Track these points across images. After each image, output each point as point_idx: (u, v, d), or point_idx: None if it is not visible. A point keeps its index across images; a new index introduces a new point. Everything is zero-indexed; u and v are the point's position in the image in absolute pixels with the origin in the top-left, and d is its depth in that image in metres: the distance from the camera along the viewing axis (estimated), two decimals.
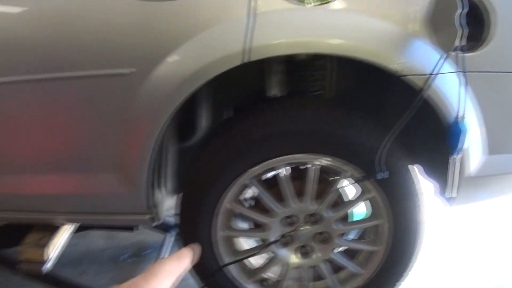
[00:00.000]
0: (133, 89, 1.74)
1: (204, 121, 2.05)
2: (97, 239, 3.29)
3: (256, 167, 1.88)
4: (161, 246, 2.98)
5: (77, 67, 1.76)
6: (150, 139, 1.79)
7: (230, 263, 2.06)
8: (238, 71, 1.68)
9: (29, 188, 2.04)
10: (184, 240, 2.09)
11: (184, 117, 1.90)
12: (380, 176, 1.82)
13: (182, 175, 2.19)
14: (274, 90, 2.02)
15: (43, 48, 1.76)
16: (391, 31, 1.66)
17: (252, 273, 2.14)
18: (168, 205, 2.16)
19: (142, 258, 3.12)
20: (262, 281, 2.16)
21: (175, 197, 2.22)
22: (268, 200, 1.95)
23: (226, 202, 1.96)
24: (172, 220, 2.71)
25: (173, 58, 1.69)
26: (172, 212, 2.21)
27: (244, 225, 2.23)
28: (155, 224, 2.03)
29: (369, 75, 1.89)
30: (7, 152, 2.00)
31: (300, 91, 2.08)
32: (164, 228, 2.96)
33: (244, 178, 1.91)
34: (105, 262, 3.11)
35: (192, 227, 2.02)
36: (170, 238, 3.01)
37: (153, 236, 3.16)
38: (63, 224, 2.21)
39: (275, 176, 1.98)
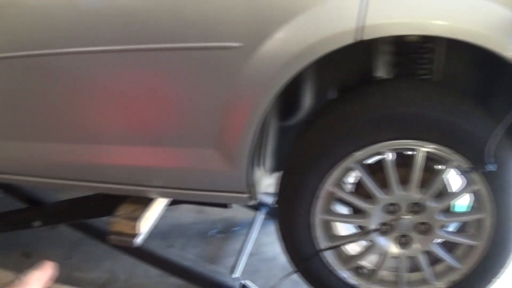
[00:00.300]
0: (239, 64, 1.68)
1: (307, 100, 1.97)
2: (187, 212, 3.30)
3: (361, 151, 1.79)
4: (250, 223, 2.94)
5: (182, 38, 1.71)
6: (254, 116, 1.74)
7: (329, 248, 1.99)
8: (343, 50, 1.60)
9: (124, 159, 2.03)
10: (281, 220, 2.04)
11: (287, 95, 1.81)
12: (488, 168, 1.71)
13: (281, 153, 2.13)
14: (381, 71, 1.92)
15: (148, 17, 1.73)
16: (509, 16, 1.53)
17: (348, 259, 2.06)
18: (265, 184, 2.10)
19: (230, 235, 3.10)
20: (357, 268, 2.08)
21: (272, 176, 2.16)
22: (371, 185, 1.86)
23: (328, 185, 1.88)
24: (263, 198, 2.66)
25: (281, 34, 1.61)
26: (267, 190, 2.16)
27: (342, 209, 2.15)
28: (251, 203, 1.97)
29: (480, 60, 1.80)
30: (104, 121, 2.00)
31: (407, 74, 1.96)
32: (255, 205, 2.91)
33: (348, 162, 1.82)
34: (194, 236, 3.11)
35: (290, 208, 1.95)
36: (261, 216, 2.97)
37: (243, 213, 3.13)
38: (156, 198, 2.18)
39: (378, 161, 1.89)
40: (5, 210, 3.07)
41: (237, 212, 3.16)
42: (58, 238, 3.23)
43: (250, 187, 1.93)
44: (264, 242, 3.00)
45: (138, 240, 2.10)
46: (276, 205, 2.03)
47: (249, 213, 3.03)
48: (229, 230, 3.14)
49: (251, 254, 2.84)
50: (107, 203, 2.30)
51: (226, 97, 1.75)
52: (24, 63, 1.99)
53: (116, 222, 2.12)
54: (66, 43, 1.86)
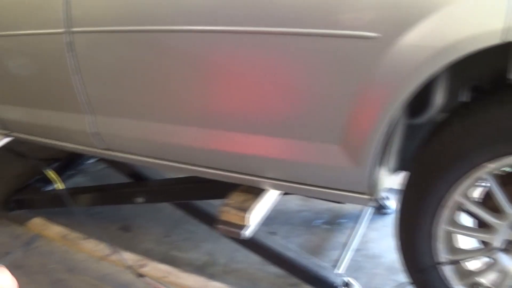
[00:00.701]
0: (374, 56, 1.51)
1: (438, 99, 1.79)
2: (293, 199, 3.22)
3: (496, 161, 1.59)
4: (358, 217, 2.83)
5: (314, 23, 1.56)
6: (385, 113, 1.57)
7: (450, 263, 1.83)
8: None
9: (240, 147, 1.93)
10: (401, 225, 1.88)
11: (418, 91, 1.65)
12: None
13: (406, 152, 1.97)
14: None
15: None
16: None
17: (466, 275, 1.89)
18: (386, 184, 1.95)
19: (336, 227, 2.97)
20: (474, 285, 1.91)
21: (393, 176, 2.02)
22: (502, 199, 1.67)
23: (456, 195, 1.70)
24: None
25: (425, 26, 1.44)
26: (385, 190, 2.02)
27: (466, 221, 1.98)
28: (369, 205, 1.84)
29: None
30: (223, 107, 1.89)
31: None
32: None
33: (480, 172, 1.63)
34: (298, 224, 3.01)
35: (413, 215, 1.80)
36: (369, 210, 2.84)
37: (350, 205, 2.97)
38: (268, 189, 2.07)
39: (510, 174, 1.71)
40: (107, 182, 3.07)
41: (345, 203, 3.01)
42: (159, 214, 3.22)
43: (371, 188, 1.78)
44: (370, 237, 2.86)
45: (247, 232, 2.00)
46: (400, 206, 1.87)
47: (357, 205, 2.88)
48: (335, 222, 3.01)
49: (355, 250, 2.73)
50: (216, 186, 2.23)
51: (357, 91, 1.59)
52: (143, 38, 1.91)
53: (226, 212, 2.02)
54: (189, 21, 1.77)
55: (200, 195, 2.51)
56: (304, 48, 1.61)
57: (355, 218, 2.88)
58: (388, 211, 2.98)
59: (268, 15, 1.62)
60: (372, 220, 2.86)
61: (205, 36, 1.76)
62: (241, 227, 2.00)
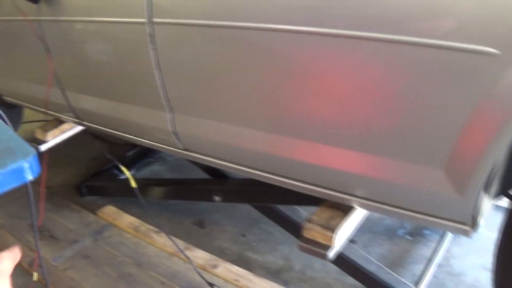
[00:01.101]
0: (493, 75, 1.33)
1: None
2: None
3: None
4: (444, 231, 2.68)
5: (427, 32, 1.38)
6: (501, 139, 1.39)
7: None
8: None
9: (330, 161, 1.78)
10: (501, 247, 1.78)
11: None
12: None
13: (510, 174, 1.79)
14: None
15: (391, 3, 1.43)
16: None
17: None
18: (486, 211, 1.80)
19: (420, 238, 2.82)
20: None
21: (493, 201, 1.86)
22: None
23: None
24: None
25: None
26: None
27: None
28: (468, 236, 1.69)
29: None
30: (314, 116, 1.74)
31: None
32: None
33: None
34: (380, 233, 2.87)
35: None
36: None
37: None
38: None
39: None
40: (184, 173, 3.00)
41: None
42: (236, 211, 3.14)
43: (474, 218, 1.62)
44: (454, 253, 2.69)
45: (331, 254, 1.87)
46: (503, 228, 1.76)
47: None
48: (419, 233, 2.85)
49: (438, 265, 2.58)
50: (301, 193, 2.05)
51: (470, 112, 1.41)
52: (229, 35, 1.78)
53: (310, 229, 1.89)
54: (287, 20, 1.60)
55: (283, 200, 2.38)
56: (415, 59, 1.45)
57: (440, 230, 2.73)
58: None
59: (376, 20, 1.45)
60: (456, 234, 2.71)
61: (303, 37, 1.59)
62: (326, 247, 1.86)
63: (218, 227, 3.03)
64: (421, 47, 1.40)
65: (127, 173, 2.63)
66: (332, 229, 1.85)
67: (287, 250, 2.78)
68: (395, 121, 1.57)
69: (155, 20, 1.95)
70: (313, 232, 1.88)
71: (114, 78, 2.38)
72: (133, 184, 2.55)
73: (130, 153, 3.58)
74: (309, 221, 1.91)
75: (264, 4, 1.64)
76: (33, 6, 2.42)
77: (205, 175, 2.86)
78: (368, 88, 1.57)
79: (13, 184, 0.92)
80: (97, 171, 3.54)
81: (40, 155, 3.01)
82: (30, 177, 0.94)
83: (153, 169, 3.65)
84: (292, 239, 2.50)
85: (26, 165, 0.92)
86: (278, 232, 2.78)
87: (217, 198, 2.63)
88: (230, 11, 1.73)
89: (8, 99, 3.44)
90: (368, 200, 1.80)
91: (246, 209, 2.94)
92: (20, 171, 0.92)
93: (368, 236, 2.82)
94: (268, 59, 1.73)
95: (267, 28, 1.65)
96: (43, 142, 3.03)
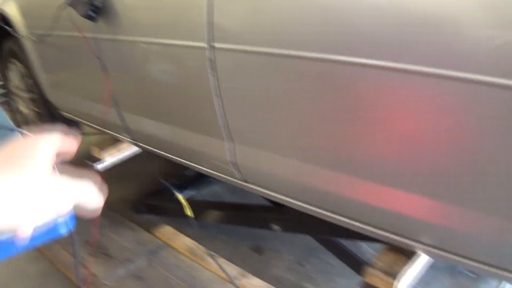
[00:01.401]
0: None
1: None
2: None
3: None
4: None
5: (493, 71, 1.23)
6: None
7: None
8: None
9: (394, 204, 1.67)
10: None
11: None
12: None
13: None
14: None
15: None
16: None
17: None
18: None
19: (483, 277, 2.68)
20: None
21: None
22: None
23: None
24: None
25: None
26: None
27: None
28: None
29: None
30: (381, 157, 1.63)
31: None
32: None
33: None
34: (442, 269, 2.75)
35: None
36: None
37: None
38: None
39: None
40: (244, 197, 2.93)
41: None
42: (295, 238, 3.04)
43: None
44: None
45: None
46: None
47: None
48: None
49: None
50: None
51: None
52: (294, 65, 1.66)
53: (372, 275, 1.79)
54: (356, 52, 1.47)
55: (345, 235, 2.27)
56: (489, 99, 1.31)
57: None
58: None
59: (451, 57, 1.31)
60: None
61: (383, 73, 1.45)
62: None
63: (275, 254, 2.96)
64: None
65: (183, 202, 2.58)
66: (395, 275, 1.76)
67: (345, 282, 2.70)
68: (467, 169, 1.45)
69: (216, 45, 1.86)
70: (375, 278, 1.80)
71: (172, 102, 2.33)
72: (189, 213, 2.49)
73: (191, 174, 3.52)
74: (372, 266, 1.82)
75: (331, 34, 1.53)
76: (91, 22, 2.38)
77: (265, 202, 2.77)
78: (442, 130, 1.44)
79: (47, 238, 0.86)
80: (157, 189, 3.48)
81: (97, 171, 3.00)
82: (64, 231, 0.88)
83: (213, 190, 3.59)
84: (350, 271, 2.40)
85: (60, 220, 0.86)
86: (338, 262, 2.67)
87: (275, 227, 2.56)
88: (296, 39, 1.63)
89: (66, 114, 3.43)
90: (435, 248, 1.69)
91: (305, 237, 2.84)
92: (54, 227, 0.86)
93: (429, 272, 2.67)
94: (341, 94, 1.62)
95: (335, 60, 1.53)
96: (99, 160, 3.00)
